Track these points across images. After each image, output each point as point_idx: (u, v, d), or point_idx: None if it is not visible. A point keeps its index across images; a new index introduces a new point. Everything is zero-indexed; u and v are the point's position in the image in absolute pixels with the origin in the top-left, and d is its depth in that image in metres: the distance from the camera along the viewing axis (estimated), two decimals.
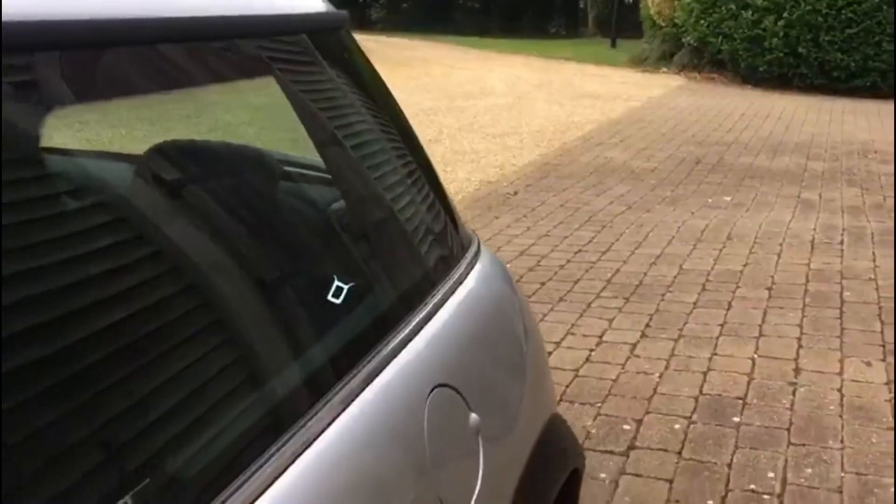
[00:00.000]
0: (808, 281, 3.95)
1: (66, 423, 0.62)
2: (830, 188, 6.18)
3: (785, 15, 12.41)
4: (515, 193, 5.83)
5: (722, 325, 3.42)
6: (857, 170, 6.93)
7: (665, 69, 15.37)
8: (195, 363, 0.75)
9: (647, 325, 3.41)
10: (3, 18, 0.60)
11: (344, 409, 0.86)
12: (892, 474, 2.34)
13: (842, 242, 4.61)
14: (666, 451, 2.50)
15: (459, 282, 1.23)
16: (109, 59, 0.77)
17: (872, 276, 4.01)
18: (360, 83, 1.24)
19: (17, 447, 0.58)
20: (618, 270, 4.10)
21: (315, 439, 0.80)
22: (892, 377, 2.94)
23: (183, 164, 0.97)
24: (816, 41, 12.38)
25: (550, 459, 1.37)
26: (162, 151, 0.97)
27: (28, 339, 0.61)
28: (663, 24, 15.63)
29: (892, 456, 2.44)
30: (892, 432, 2.57)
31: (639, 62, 16.53)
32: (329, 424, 0.83)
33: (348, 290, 1.00)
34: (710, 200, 5.71)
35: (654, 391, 2.85)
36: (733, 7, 12.96)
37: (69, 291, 0.66)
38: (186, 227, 0.88)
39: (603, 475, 2.35)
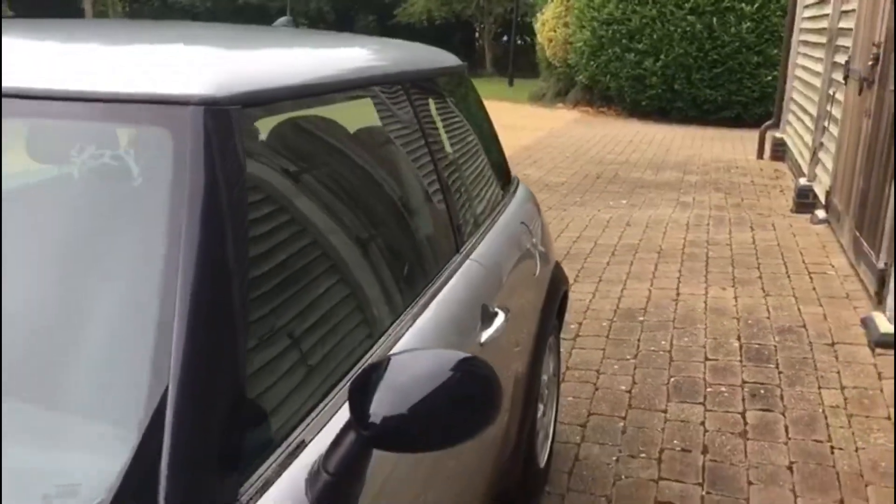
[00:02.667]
0: (684, 247, 5.53)
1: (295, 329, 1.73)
2: (702, 193, 7.85)
3: (662, 57, 14.28)
4: None
5: (628, 274, 4.92)
6: (722, 181, 8.66)
7: (561, 105, 17.18)
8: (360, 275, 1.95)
9: (577, 275, 4.86)
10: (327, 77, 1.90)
11: (467, 258, 2.22)
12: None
13: (708, 224, 6.23)
14: (598, 336, 3.94)
15: (513, 193, 2.62)
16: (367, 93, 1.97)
17: (728, 244, 5.62)
18: (470, 105, 2.59)
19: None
20: None
21: (431, 301, 1.99)
22: (735, 294, 4.49)
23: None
24: (689, 79, 14.27)
25: (557, 284, 2.75)
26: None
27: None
28: (558, 65, 17.47)
29: (737, 336, 3.95)
30: (736, 321, 4.10)
31: (537, 98, 18.34)
32: (445, 283, 2.13)
33: (471, 203, 2.35)
34: (611, 203, 7.27)
35: (588, 308, 4.30)
36: (618, 50, 14.78)
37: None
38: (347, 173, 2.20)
39: (562, 351, 3.75)
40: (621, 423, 3.17)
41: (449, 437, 1.10)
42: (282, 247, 1.22)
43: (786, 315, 4.17)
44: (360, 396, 1.03)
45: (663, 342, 3.86)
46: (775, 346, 3.80)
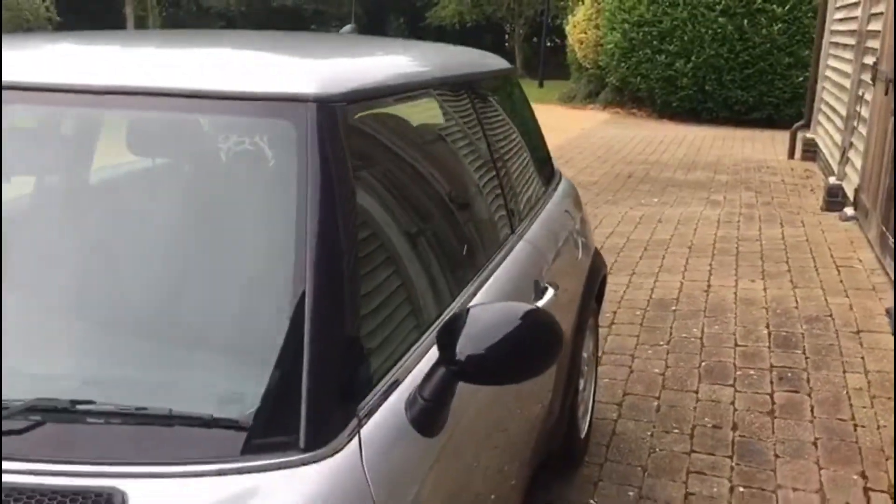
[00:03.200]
0: (715, 242, 5.71)
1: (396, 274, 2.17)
2: (732, 192, 8.01)
3: (693, 58, 14.41)
4: None
5: (660, 267, 5.12)
6: (752, 180, 8.80)
7: (592, 106, 17.34)
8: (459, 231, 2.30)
9: (611, 268, 5.06)
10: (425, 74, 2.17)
11: (530, 226, 2.46)
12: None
13: (738, 221, 6.40)
14: (632, 324, 4.15)
15: (556, 186, 2.85)
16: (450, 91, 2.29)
17: (758, 239, 5.79)
18: (518, 103, 2.83)
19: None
20: None
21: (495, 270, 2.27)
22: (764, 286, 4.68)
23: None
24: (720, 80, 14.38)
25: (597, 269, 2.98)
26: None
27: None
28: (589, 67, 17.64)
29: (766, 324, 4.14)
30: (765, 311, 4.29)
31: (568, 100, 18.53)
32: (505, 258, 2.37)
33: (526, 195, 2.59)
34: (642, 201, 7.46)
35: (622, 298, 4.51)
36: (649, 52, 14.92)
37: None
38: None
39: (598, 337, 3.97)
40: (655, 403, 3.38)
41: (520, 373, 1.34)
42: (380, 218, 1.46)
43: (813, 305, 4.36)
44: (447, 340, 1.27)
45: (695, 330, 4.07)
46: (802, 334, 3.99)
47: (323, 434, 1.13)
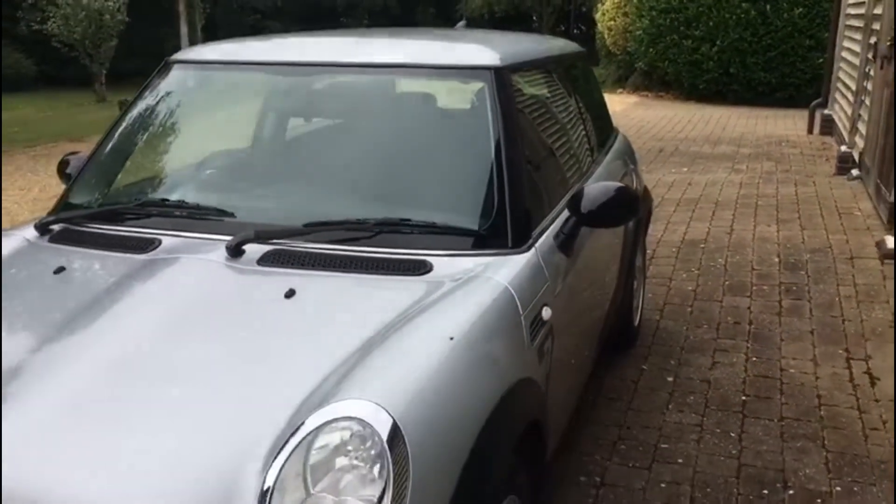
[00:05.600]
0: (737, 199, 6.67)
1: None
2: (754, 162, 8.92)
3: (718, 42, 15.26)
4: None
5: (691, 217, 6.10)
6: (773, 152, 9.69)
7: (621, 90, 18.22)
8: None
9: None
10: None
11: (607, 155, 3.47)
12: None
13: (758, 184, 7.35)
14: (669, 257, 5.15)
15: (616, 136, 3.85)
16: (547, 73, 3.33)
17: (775, 195, 6.75)
18: (590, 82, 3.83)
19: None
20: None
21: (597, 166, 3.34)
22: (778, 229, 5.65)
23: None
24: (744, 63, 15.20)
25: (646, 199, 3.98)
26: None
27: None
28: (618, 53, 18.53)
29: (777, 254, 5.11)
30: (777, 245, 5.26)
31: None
32: (595, 170, 3.40)
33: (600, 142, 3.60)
34: (672, 170, 8.41)
35: (660, 240, 5.50)
36: (676, 37, 15.77)
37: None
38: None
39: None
40: (689, 309, 4.37)
41: (615, 221, 2.36)
42: (530, 133, 2.48)
43: (817, 241, 5.33)
44: (575, 203, 2.29)
45: (720, 260, 5.05)
46: (806, 260, 4.96)
47: (518, 242, 2.14)
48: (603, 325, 3.14)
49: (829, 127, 10.84)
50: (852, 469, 2.86)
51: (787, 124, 12.38)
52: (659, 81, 17.06)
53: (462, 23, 3.77)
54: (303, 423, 1.47)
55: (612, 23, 18.26)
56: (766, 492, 2.73)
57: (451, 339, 1.70)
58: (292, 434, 1.46)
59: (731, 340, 3.97)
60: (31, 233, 2.29)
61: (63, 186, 2.64)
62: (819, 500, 2.68)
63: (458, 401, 1.63)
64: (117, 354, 1.69)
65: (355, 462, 1.45)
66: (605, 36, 18.91)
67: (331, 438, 1.46)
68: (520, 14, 32.33)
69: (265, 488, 1.42)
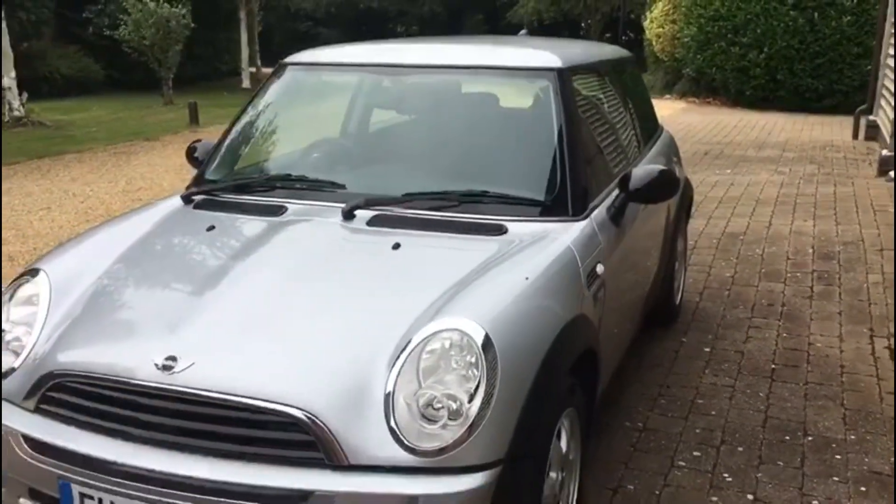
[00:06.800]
0: (777, 197, 7.03)
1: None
2: (797, 165, 9.22)
3: (765, 49, 15.49)
4: None
5: (731, 213, 6.48)
6: (816, 156, 9.97)
7: (668, 96, 18.52)
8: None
9: (691, 215, 6.45)
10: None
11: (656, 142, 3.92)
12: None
13: (799, 184, 7.69)
14: (709, 248, 5.55)
15: (661, 132, 4.29)
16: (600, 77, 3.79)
17: (813, 194, 7.09)
18: (638, 84, 4.28)
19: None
20: None
21: (644, 155, 3.78)
22: (814, 224, 6.01)
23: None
24: (792, 70, 15.41)
25: (687, 188, 4.40)
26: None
27: None
28: (665, 60, 18.83)
29: (811, 246, 5.48)
30: (812, 238, 5.63)
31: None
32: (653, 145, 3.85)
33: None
34: (717, 172, 8.76)
35: (701, 232, 5.90)
36: (724, 44, 16.05)
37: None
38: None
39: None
40: (726, 293, 4.78)
41: (659, 197, 2.81)
42: (588, 123, 2.95)
43: (850, 234, 5.68)
44: (624, 182, 2.75)
45: (757, 250, 5.45)
46: (839, 251, 5.33)
47: (577, 212, 2.60)
48: (646, 295, 3.58)
49: (873, 132, 11.05)
50: (866, 423, 3.26)
51: (833, 130, 12.59)
52: (706, 88, 17.32)
53: (524, 31, 4.25)
54: (416, 334, 1.95)
55: (661, 30, 18.56)
56: (787, 437, 3.15)
57: (527, 278, 2.17)
58: (409, 342, 1.95)
59: (765, 319, 4.37)
60: (177, 202, 2.83)
61: (187, 169, 3.20)
62: (834, 445, 3.09)
63: (532, 325, 2.10)
64: (267, 286, 2.20)
65: (456, 363, 1.93)
66: (654, 43, 19.21)
67: (438, 345, 1.94)
68: (568, 21, 32.70)
69: (388, 381, 1.90)
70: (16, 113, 12.82)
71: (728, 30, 15.90)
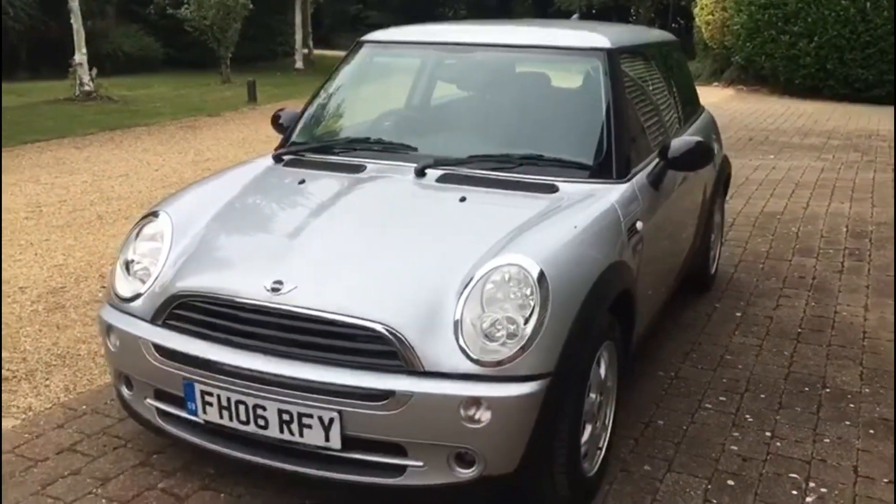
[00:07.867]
0: (817, 181, 7.26)
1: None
2: (841, 153, 9.38)
3: (816, 38, 15.49)
4: None
5: (771, 194, 6.74)
6: (861, 145, 10.10)
7: (716, 83, 18.59)
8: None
9: (731, 196, 6.72)
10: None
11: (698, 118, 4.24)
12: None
13: (839, 169, 7.89)
14: (747, 226, 5.84)
15: (702, 112, 4.60)
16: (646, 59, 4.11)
17: (853, 179, 7.31)
18: (682, 67, 4.59)
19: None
20: None
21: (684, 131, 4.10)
22: (850, 206, 6.25)
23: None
24: (842, 59, 15.38)
25: (725, 164, 4.70)
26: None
27: None
28: (714, 47, 18.87)
29: (846, 225, 5.73)
30: (847, 218, 5.88)
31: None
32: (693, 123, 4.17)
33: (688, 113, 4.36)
34: (759, 157, 8.98)
35: (739, 212, 6.19)
36: (774, 32, 16.08)
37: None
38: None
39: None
40: (760, 265, 5.08)
41: (695, 165, 3.15)
42: (634, 99, 3.29)
43: (884, 216, 5.92)
44: (664, 152, 3.10)
45: (793, 228, 5.72)
46: (871, 231, 5.59)
47: (621, 175, 2.95)
48: (683, 259, 3.91)
49: None
50: (882, 379, 3.56)
51: (882, 119, 12.61)
52: (755, 76, 17.36)
53: (576, 16, 4.59)
54: (481, 268, 2.33)
55: (711, 17, 18.60)
56: (806, 388, 3.47)
57: (575, 227, 2.54)
58: (474, 274, 2.33)
59: (795, 290, 4.67)
60: (268, 161, 3.25)
61: (274, 135, 3.63)
62: (849, 396, 3.41)
63: (579, 265, 2.47)
64: (354, 229, 2.61)
65: (514, 294, 2.31)
66: (703, 30, 19.24)
67: (499, 277, 2.32)
68: (618, 6, 32.68)
69: (457, 308, 2.29)
70: (86, 87, 13.48)
71: (778, 18, 15.92)
